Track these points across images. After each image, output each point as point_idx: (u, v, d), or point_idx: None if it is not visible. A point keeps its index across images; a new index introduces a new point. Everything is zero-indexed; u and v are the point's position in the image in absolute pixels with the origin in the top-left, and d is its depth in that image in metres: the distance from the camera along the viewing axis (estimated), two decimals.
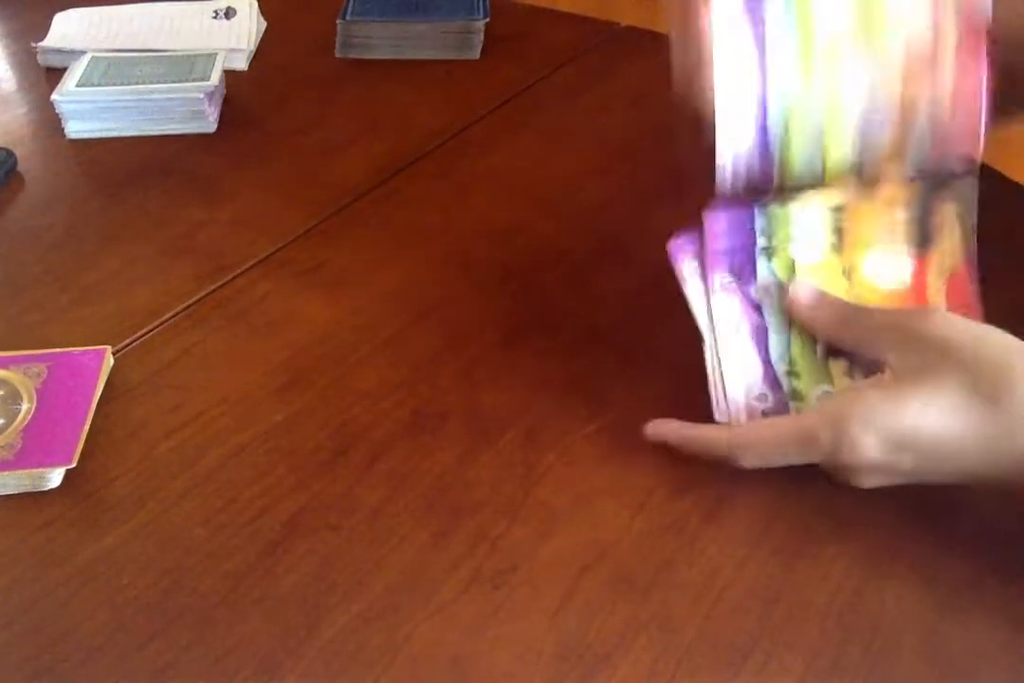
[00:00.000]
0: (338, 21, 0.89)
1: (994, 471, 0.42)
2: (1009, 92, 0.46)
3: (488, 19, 0.89)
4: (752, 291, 0.49)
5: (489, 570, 0.45)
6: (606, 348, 0.57)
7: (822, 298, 0.48)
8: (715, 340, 0.48)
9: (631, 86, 0.83)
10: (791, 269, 0.48)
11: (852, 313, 0.47)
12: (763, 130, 0.45)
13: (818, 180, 0.46)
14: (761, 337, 0.49)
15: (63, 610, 0.44)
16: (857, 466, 0.43)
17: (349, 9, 0.90)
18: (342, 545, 0.46)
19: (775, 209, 0.48)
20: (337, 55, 0.89)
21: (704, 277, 0.48)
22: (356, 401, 0.54)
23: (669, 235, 0.48)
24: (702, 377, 0.49)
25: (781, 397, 0.48)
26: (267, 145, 0.77)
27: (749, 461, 0.46)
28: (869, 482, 0.44)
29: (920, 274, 0.49)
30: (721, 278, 0.48)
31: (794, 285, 0.48)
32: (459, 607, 0.44)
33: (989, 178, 0.68)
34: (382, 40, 0.89)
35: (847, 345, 0.48)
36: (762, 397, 0.48)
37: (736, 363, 0.48)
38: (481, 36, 0.89)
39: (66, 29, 0.91)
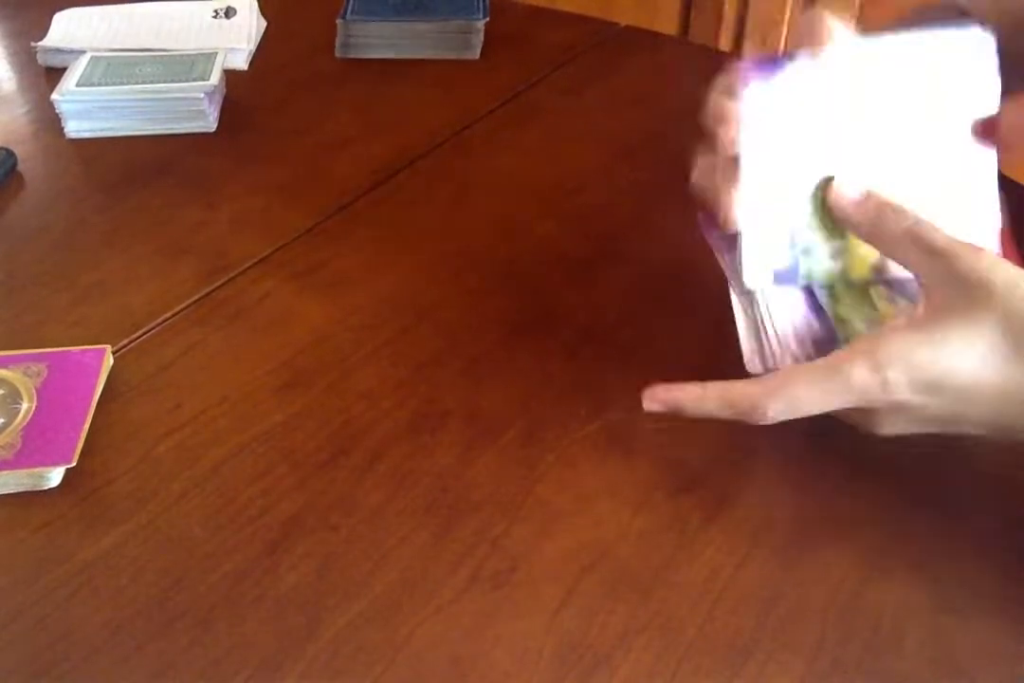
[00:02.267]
0: (338, 21, 0.89)
1: (1016, 423, 0.42)
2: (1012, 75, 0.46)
3: (488, 19, 0.89)
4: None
5: (489, 570, 0.45)
6: (606, 347, 0.57)
7: (867, 195, 0.46)
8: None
9: (631, 86, 0.83)
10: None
11: (892, 214, 0.45)
12: None
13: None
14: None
15: (63, 610, 0.44)
16: (885, 407, 0.43)
17: (349, 9, 0.90)
18: (342, 545, 0.46)
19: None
20: (337, 55, 0.89)
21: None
22: (356, 401, 0.54)
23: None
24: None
25: (827, 321, 0.48)
26: (267, 145, 0.77)
27: (776, 410, 0.43)
28: (891, 428, 0.44)
29: None
30: None
31: (836, 183, 0.47)
32: (459, 607, 0.44)
33: None
34: (382, 40, 0.89)
35: (882, 249, 0.46)
36: (807, 324, 0.48)
37: (779, 299, 0.48)
38: (481, 36, 0.88)
39: (66, 29, 0.91)
